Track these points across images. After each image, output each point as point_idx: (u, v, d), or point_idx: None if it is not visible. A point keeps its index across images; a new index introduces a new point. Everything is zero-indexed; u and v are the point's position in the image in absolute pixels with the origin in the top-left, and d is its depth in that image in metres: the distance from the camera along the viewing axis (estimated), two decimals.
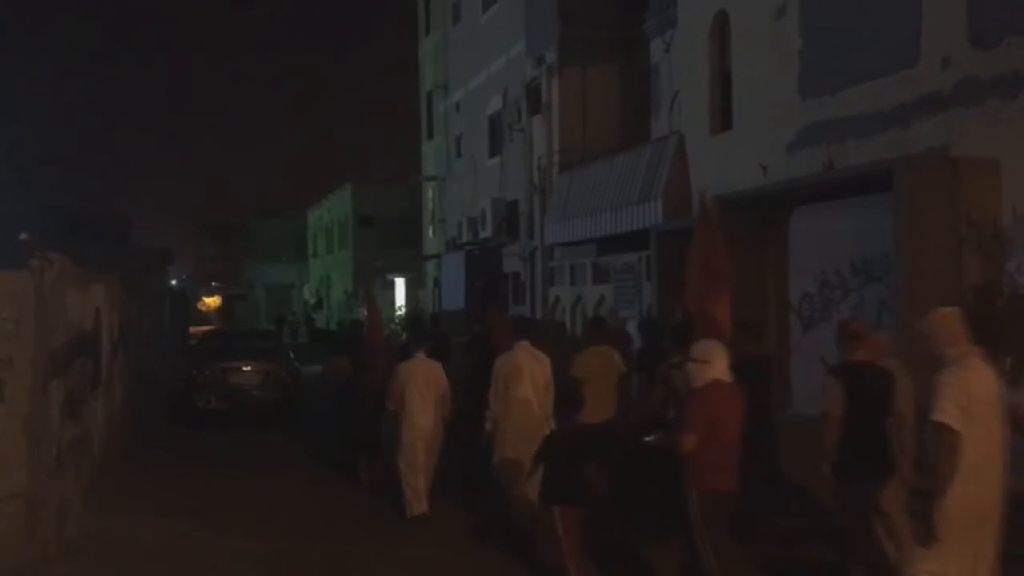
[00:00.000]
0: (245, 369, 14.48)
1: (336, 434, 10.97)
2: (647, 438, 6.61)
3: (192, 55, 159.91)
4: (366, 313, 11.95)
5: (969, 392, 4.77)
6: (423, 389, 8.29)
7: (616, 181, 14.85)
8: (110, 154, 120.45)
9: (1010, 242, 8.01)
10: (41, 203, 29.49)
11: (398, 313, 31.02)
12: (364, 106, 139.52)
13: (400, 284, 35.11)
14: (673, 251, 12.68)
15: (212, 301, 67.37)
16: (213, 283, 69.76)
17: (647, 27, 15.86)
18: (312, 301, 50.57)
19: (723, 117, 12.56)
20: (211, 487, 9.70)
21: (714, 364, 5.55)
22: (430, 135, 28.19)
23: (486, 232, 20.59)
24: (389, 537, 7.81)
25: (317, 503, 9.05)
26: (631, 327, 11.94)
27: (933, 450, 4.91)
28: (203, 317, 57.13)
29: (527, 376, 7.61)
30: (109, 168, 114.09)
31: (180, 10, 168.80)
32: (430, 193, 28.38)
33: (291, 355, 16.13)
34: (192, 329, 28.94)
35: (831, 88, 10.15)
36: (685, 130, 13.52)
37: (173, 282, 34.54)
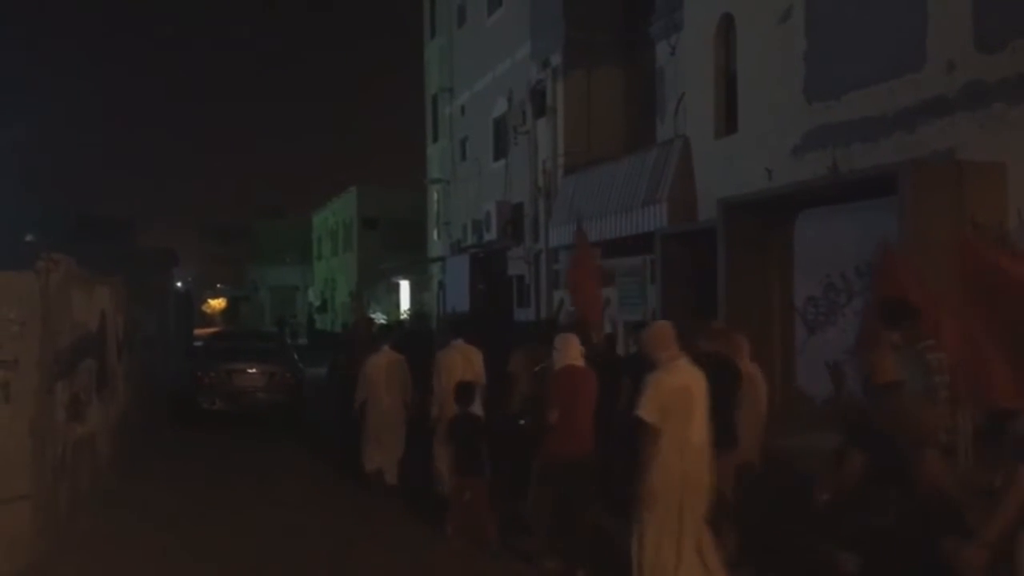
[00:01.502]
0: (249, 371, 14.50)
1: (339, 427, 11.32)
2: (520, 421, 7.56)
3: (198, 57, 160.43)
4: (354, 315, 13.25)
5: (667, 391, 5.56)
6: (385, 378, 9.42)
7: (621, 184, 14.85)
8: (115, 156, 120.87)
9: (1015, 246, 7.98)
10: (46, 205, 29.61)
11: (403, 316, 31.05)
12: (369, 109, 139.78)
13: (405, 287, 35.13)
14: (678, 254, 12.70)
15: (217, 303, 67.40)
16: (218, 285, 69.86)
17: (652, 30, 15.88)
18: (316, 303, 50.60)
19: (728, 120, 12.54)
20: (215, 489, 9.72)
21: (566, 352, 6.63)
22: (435, 138, 28.20)
23: (491, 235, 20.59)
24: (387, 534, 7.82)
25: (319, 503, 9.07)
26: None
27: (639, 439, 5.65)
28: (208, 319, 57.19)
29: (460, 368, 8.60)
30: (114, 170, 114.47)
31: (184, 12, 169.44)
32: (435, 196, 28.39)
33: (295, 357, 16.16)
34: (197, 331, 29.03)
35: (836, 91, 10.14)
36: (690, 133, 13.52)
37: (178, 284, 34.59)
